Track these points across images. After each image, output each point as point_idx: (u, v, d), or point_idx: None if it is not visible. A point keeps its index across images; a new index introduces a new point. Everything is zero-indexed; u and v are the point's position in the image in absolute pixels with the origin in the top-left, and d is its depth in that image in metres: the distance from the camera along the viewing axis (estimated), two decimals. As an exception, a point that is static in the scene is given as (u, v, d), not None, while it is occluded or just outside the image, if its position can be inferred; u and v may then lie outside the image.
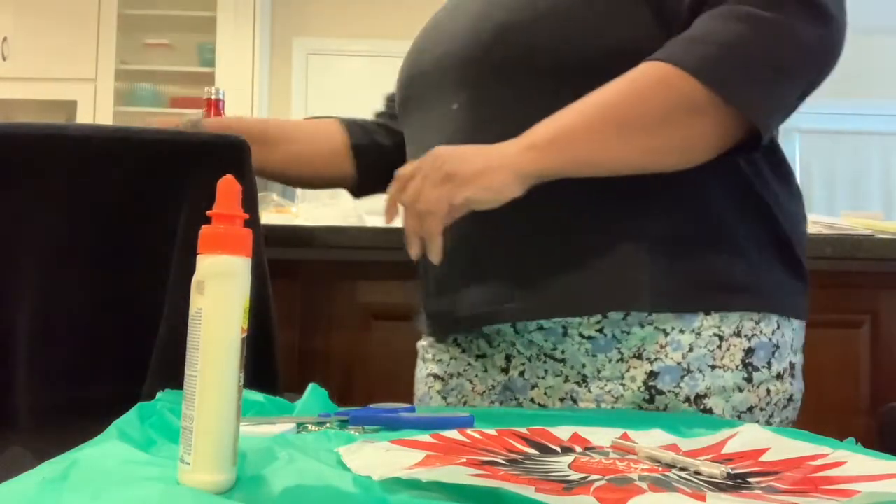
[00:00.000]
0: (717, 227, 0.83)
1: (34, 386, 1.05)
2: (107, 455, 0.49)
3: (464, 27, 0.91)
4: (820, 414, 1.04)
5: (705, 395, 0.82)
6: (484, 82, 0.87)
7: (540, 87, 0.84)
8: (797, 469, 0.55)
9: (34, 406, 1.05)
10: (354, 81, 4.62)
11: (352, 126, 1.16)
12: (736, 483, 0.51)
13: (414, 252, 0.81)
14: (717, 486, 0.50)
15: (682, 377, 0.82)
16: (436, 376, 0.97)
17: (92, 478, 0.45)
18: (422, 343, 1.02)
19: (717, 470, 0.52)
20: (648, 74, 0.77)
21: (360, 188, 1.17)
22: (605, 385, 0.84)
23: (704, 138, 0.78)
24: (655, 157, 0.79)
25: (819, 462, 0.56)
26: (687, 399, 0.82)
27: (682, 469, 0.54)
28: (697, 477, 0.52)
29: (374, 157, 1.14)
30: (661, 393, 0.82)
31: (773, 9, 0.75)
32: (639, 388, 0.82)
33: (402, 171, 0.82)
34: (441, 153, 0.79)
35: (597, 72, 0.80)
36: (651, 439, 0.64)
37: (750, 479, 0.52)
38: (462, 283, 0.89)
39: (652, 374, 0.82)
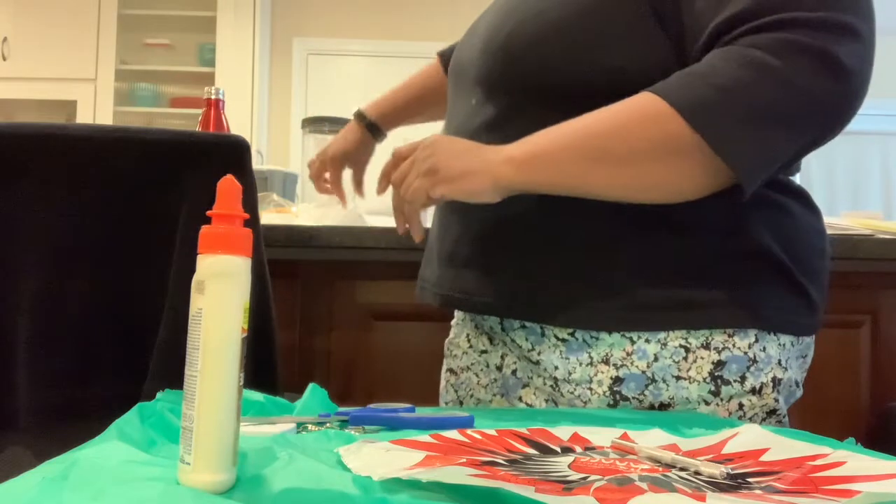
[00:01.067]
0: (691, 245, 0.82)
1: (34, 386, 1.05)
2: (107, 455, 0.49)
3: (482, 33, 0.93)
4: (820, 414, 1.04)
5: (668, 405, 0.82)
6: (494, 88, 0.89)
7: (545, 100, 0.83)
8: (797, 469, 0.55)
9: (34, 406, 1.05)
10: (354, 81, 4.63)
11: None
12: (736, 483, 0.51)
13: (399, 228, 0.87)
14: (717, 486, 0.50)
15: (647, 385, 0.82)
16: (451, 371, 1.00)
17: (92, 478, 0.45)
18: (446, 340, 1.04)
19: (717, 470, 0.52)
20: (640, 107, 0.76)
21: None
22: (575, 389, 0.84)
23: (687, 180, 0.77)
24: (634, 192, 0.78)
25: (819, 462, 0.56)
26: (651, 407, 0.82)
27: (682, 469, 0.54)
28: (697, 477, 0.52)
29: None
30: (624, 399, 0.82)
31: (783, 57, 0.72)
32: (604, 392, 0.83)
33: (399, 150, 0.86)
34: (434, 143, 0.82)
35: (602, 92, 0.79)
36: (651, 439, 0.64)
37: (750, 479, 0.52)
38: (446, 261, 0.93)
39: (617, 380, 0.82)
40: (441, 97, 1.17)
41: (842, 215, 1.59)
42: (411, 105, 1.25)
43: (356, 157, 1.24)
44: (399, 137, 1.70)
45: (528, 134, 0.81)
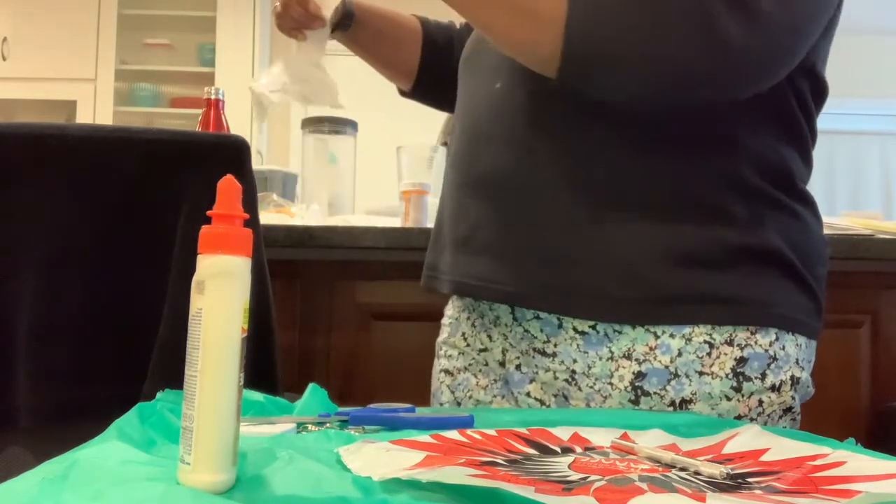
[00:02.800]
0: (714, 238, 0.82)
1: (34, 386, 1.05)
2: (107, 455, 0.49)
3: None
4: (820, 414, 1.04)
5: (690, 401, 0.81)
6: (522, 71, 0.87)
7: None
8: (797, 469, 0.55)
9: (34, 406, 1.05)
10: (354, 81, 4.62)
11: (427, 23, 1.20)
12: (736, 483, 0.51)
13: None
14: (717, 487, 0.50)
15: (669, 381, 0.81)
16: (446, 371, 0.99)
17: (92, 478, 0.45)
18: (438, 340, 1.03)
19: (717, 470, 0.52)
20: None
21: (420, 79, 1.19)
22: (595, 384, 0.84)
23: (524, 36, 0.78)
24: (486, 29, 0.81)
25: (819, 462, 0.56)
26: (672, 403, 0.82)
27: (681, 469, 0.54)
28: (697, 477, 0.52)
29: (441, 48, 1.16)
30: (646, 394, 0.82)
31: None
32: (625, 387, 0.82)
33: None
34: None
35: None
36: (651, 439, 0.64)
37: (750, 479, 0.52)
38: (460, 246, 0.91)
39: (639, 375, 0.82)
40: (406, 46, 1.17)
41: (842, 215, 1.59)
42: (389, 20, 1.19)
43: None
44: (399, 140, 1.71)
45: (553, 118, 0.82)
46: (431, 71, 1.16)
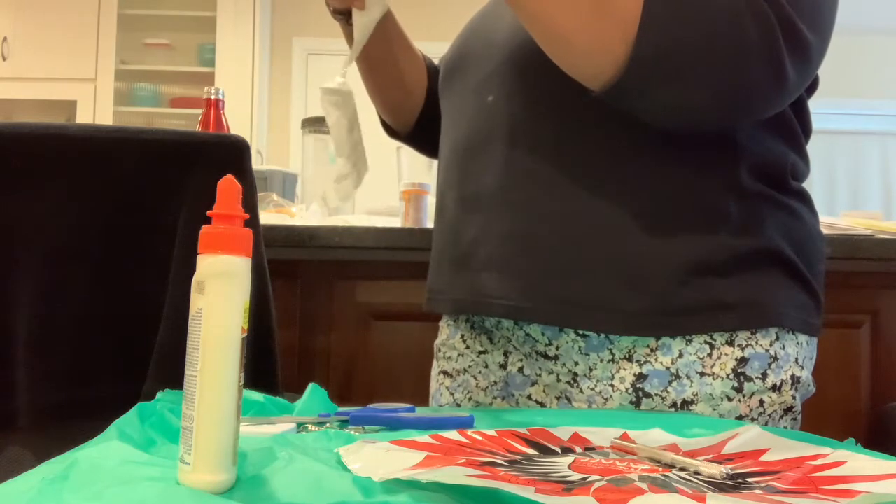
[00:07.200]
0: (717, 243, 0.82)
1: (34, 386, 1.05)
2: (107, 455, 0.49)
3: (510, 25, 0.89)
4: (820, 414, 1.04)
5: (692, 402, 0.81)
6: (515, 82, 0.86)
7: (568, 96, 0.81)
8: (797, 469, 0.55)
9: (34, 406, 1.05)
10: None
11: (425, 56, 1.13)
12: (736, 483, 0.51)
13: None
14: (717, 487, 0.50)
15: (670, 382, 0.81)
16: (445, 373, 0.98)
17: (92, 478, 0.45)
18: (436, 342, 1.02)
19: (717, 470, 0.52)
20: None
21: (419, 126, 1.11)
22: (596, 385, 0.84)
23: (589, 37, 0.73)
24: (537, 27, 0.76)
25: (819, 462, 0.56)
26: (673, 404, 0.82)
27: (681, 469, 0.54)
28: (697, 477, 0.52)
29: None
30: (647, 396, 0.82)
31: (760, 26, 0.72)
32: (627, 389, 0.82)
33: None
34: None
35: None
36: (651, 439, 0.64)
37: (750, 480, 0.52)
38: (458, 264, 0.90)
39: (640, 377, 0.82)
40: (413, 74, 1.09)
41: (842, 215, 1.59)
42: (405, 39, 1.09)
43: None
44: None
45: (554, 131, 0.81)
46: (435, 108, 1.06)
